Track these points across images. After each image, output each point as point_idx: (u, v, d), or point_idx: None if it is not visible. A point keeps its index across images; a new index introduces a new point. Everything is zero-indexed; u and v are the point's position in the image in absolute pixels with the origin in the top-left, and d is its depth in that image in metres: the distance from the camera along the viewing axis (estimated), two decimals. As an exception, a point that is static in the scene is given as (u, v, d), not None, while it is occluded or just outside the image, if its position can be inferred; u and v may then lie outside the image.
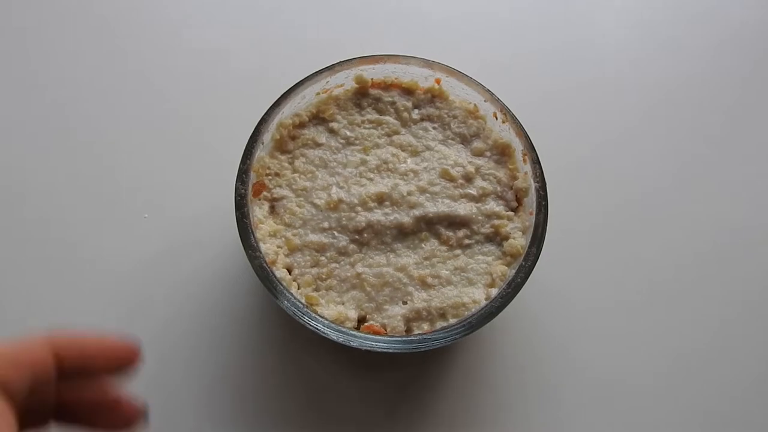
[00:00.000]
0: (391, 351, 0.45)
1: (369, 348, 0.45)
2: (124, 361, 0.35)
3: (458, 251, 0.51)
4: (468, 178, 0.53)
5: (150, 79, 0.66)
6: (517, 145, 0.53)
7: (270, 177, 0.52)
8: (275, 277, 0.46)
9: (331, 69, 0.53)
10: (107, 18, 0.69)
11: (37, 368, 0.33)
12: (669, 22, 0.75)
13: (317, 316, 0.46)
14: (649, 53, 0.72)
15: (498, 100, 0.54)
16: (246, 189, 0.48)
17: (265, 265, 0.46)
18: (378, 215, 0.51)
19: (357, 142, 0.54)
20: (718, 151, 0.66)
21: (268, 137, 0.52)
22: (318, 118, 0.54)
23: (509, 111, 0.53)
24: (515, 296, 0.48)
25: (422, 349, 0.46)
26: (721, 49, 0.73)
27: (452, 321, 0.49)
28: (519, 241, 0.51)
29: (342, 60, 0.53)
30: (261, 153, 0.51)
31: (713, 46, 0.73)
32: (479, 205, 0.52)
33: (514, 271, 0.50)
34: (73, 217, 0.58)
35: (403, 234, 0.51)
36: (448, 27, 0.71)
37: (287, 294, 0.46)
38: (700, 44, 0.73)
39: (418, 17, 0.71)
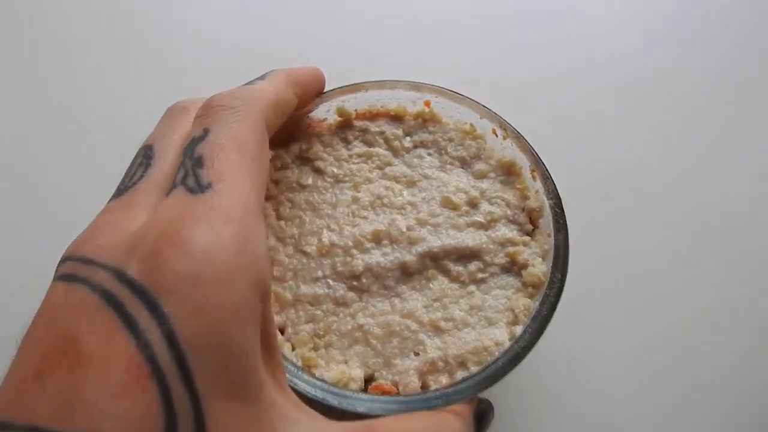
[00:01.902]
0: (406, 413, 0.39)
1: (379, 413, 0.39)
2: (323, 86, 0.45)
3: (472, 287, 0.45)
4: (473, 204, 0.47)
5: (114, 125, 0.62)
6: (523, 162, 0.48)
7: None
8: None
9: (314, 102, 0.48)
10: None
11: (288, 113, 0.40)
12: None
13: (314, 380, 0.39)
14: (660, 62, 0.67)
15: (495, 115, 0.48)
16: None
17: None
18: (376, 256, 0.45)
19: (346, 179, 0.48)
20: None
21: None
22: (301, 158, 0.49)
23: (509, 126, 0.48)
24: (543, 332, 0.42)
25: (443, 406, 0.39)
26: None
27: (474, 369, 0.42)
28: (540, 268, 0.44)
29: (323, 93, 0.48)
30: None
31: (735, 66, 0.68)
32: (489, 232, 0.46)
33: (538, 303, 0.43)
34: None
35: (407, 275, 0.45)
36: (431, 44, 0.67)
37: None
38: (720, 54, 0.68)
39: (396, 35, 0.67)
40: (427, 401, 0.39)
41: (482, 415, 0.39)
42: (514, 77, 0.65)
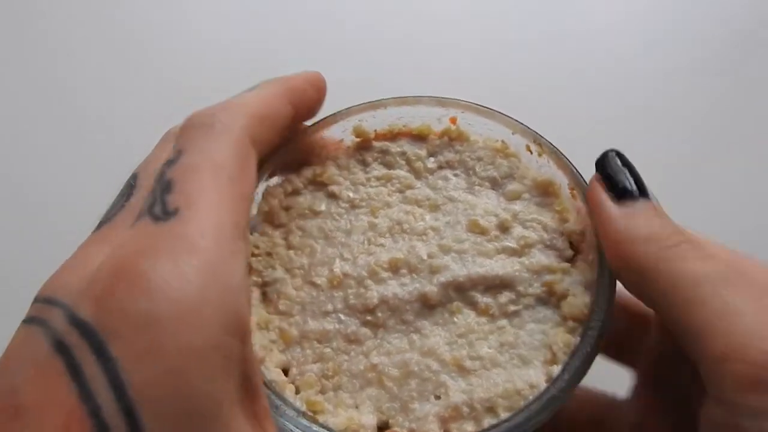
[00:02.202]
0: None
1: None
2: (324, 92, 0.39)
3: (503, 321, 0.39)
4: (504, 228, 0.41)
5: (112, 126, 0.62)
6: (562, 180, 0.42)
7: (260, 258, 0.42)
8: (263, 380, 0.36)
9: (327, 122, 0.44)
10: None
11: (283, 126, 0.35)
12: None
13: (317, 428, 0.34)
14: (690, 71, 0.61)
15: (529, 129, 0.43)
16: None
17: None
18: (393, 287, 0.40)
19: (363, 203, 0.44)
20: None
21: (253, 210, 0.43)
22: (315, 182, 0.45)
23: (545, 141, 0.43)
24: (586, 373, 0.35)
25: None
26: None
27: (505, 416, 0.36)
28: (581, 299, 0.38)
29: (335, 111, 0.45)
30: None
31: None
32: (522, 259, 0.41)
33: (579, 339, 0.37)
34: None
35: (428, 307, 0.39)
36: (456, 58, 0.63)
37: (273, 400, 0.35)
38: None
39: (419, 50, 0.64)
40: None
41: None
42: (546, 95, 0.61)
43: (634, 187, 0.36)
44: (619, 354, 0.44)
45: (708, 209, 0.56)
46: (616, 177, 0.36)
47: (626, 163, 0.37)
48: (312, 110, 0.39)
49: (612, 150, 0.37)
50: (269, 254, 0.42)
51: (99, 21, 0.73)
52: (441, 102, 0.45)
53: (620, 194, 0.36)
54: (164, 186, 0.29)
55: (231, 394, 0.26)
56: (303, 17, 0.75)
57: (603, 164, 0.37)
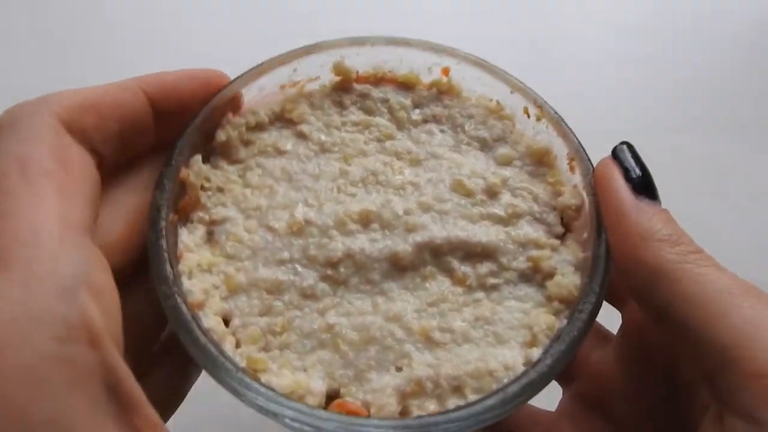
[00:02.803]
0: None
1: None
2: (215, 87, 0.35)
3: (480, 294, 0.35)
4: (491, 193, 0.37)
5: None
6: (560, 150, 0.38)
7: (210, 193, 0.36)
8: (198, 326, 0.30)
9: (300, 52, 0.39)
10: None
11: (128, 115, 0.32)
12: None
13: (258, 387, 0.29)
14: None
15: (530, 90, 0.39)
16: (165, 200, 0.33)
17: (183, 307, 0.30)
18: (362, 241, 0.35)
19: (335, 148, 0.39)
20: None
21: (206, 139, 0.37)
22: (283, 119, 0.40)
23: (547, 105, 0.38)
24: (570, 358, 0.31)
25: None
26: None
27: (473, 397, 0.31)
28: (571, 279, 0.34)
29: (316, 42, 0.39)
30: (196, 159, 0.36)
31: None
32: (509, 229, 0.36)
33: (566, 322, 0.33)
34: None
35: (399, 269, 0.35)
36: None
37: (210, 351, 0.29)
38: None
39: None
40: (405, 429, 0.28)
41: None
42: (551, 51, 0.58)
43: (652, 188, 0.33)
44: None
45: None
46: (636, 170, 0.33)
47: (640, 162, 0.34)
48: (183, 104, 0.35)
49: (626, 143, 0.34)
50: (221, 190, 0.37)
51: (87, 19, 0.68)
52: (435, 48, 0.40)
53: (639, 188, 0.32)
54: None
55: (86, 409, 0.22)
56: (290, 16, 0.70)
57: (622, 154, 0.34)
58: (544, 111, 0.38)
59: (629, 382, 0.37)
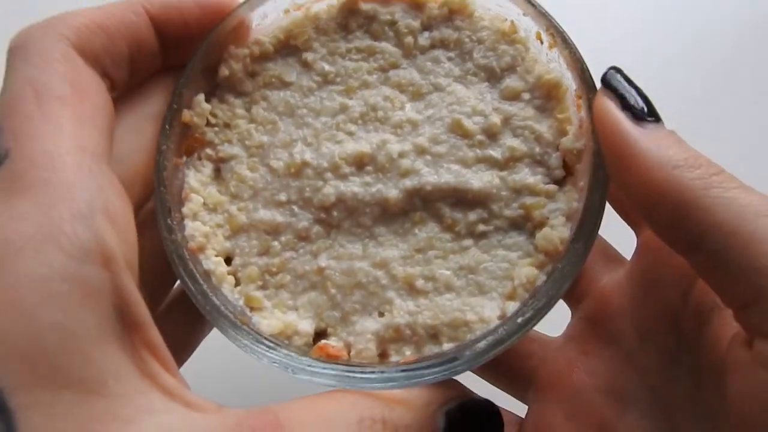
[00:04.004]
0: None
1: (315, 381, 0.31)
2: (221, 14, 0.35)
3: (468, 242, 0.35)
4: (490, 134, 0.36)
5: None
6: (570, 83, 0.35)
7: (217, 129, 0.38)
8: (197, 272, 0.33)
9: None
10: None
11: (134, 36, 0.32)
12: None
13: (246, 329, 0.32)
14: None
15: (545, 14, 0.36)
16: (168, 144, 0.35)
17: (181, 259, 0.33)
18: (354, 185, 0.36)
19: (338, 79, 0.38)
20: None
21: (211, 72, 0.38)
22: (289, 46, 0.39)
23: (561, 31, 0.35)
24: (543, 316, 0.32)
25: (396, 389, 0.31)
26: None
27: (447, 347, 0.33)
28: (559, 231, 0.34)
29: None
30: (198, 99, 0.37)
31: None
32: (504, 173, 0.35)
33: (545, 278, 0.33)
34: None
35: (389, 214, 0.36)
36: None
37: (199, 286, 0.33)
38: None
39: None
40: (368, 380, 0.31)
41: (464, 416, 0.30)
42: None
43: (650, 109, 0.30)
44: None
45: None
46: (631, 95, 0.30)
47: (633, 84, 0.30)
48: (188, 26, 0.34)
49: (615, 67, 0.31)
50: (227, 125, 0.38)
51: None
52: None
53: (639, 115, 0.30)
54: None
55: (93, 323, 0.24)
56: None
57: (612, 81, 0.31)
58: (557, 39, 0.35)
59: (638, 306, 0.36)
